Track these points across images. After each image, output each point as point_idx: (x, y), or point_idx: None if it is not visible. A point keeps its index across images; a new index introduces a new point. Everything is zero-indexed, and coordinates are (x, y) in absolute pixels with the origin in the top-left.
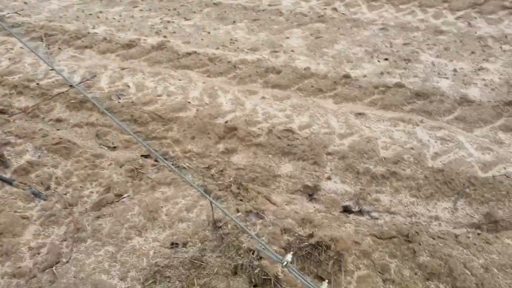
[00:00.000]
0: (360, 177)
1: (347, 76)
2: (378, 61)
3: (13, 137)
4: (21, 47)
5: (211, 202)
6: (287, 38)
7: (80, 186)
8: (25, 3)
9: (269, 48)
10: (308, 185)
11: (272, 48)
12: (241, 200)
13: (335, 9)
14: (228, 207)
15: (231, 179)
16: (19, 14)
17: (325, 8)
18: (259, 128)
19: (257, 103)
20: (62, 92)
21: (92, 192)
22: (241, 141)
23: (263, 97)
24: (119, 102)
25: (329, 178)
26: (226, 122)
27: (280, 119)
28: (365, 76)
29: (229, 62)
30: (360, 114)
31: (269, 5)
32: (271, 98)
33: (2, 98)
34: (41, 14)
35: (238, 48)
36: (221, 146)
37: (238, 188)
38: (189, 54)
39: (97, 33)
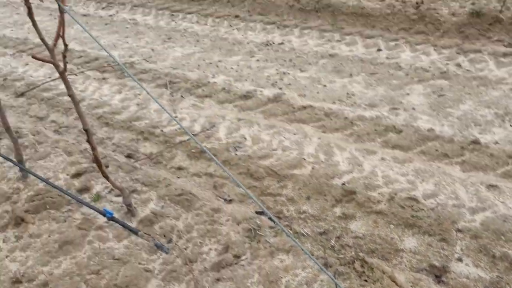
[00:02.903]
0: (496, 262)
1: (476, 142)
2: (511, 125)
3: (139, 185)
4: (148, 93)
5: (336, 284)
6: (407, 94)
7: (200, 242)
8: (152, 50)
9: (388, 105)
10: (435, 265)
11: (392, 104)
12: (365, 280)
13: (458, 65)
14: (351, 287)
15: (353, 253)
16: (147, 61)
17: (447, 64)
18: (379, 194)
19: (376, 164)
20: (184, 141)
21: (211, 249)
22: (360, 206)
23: (382, 158)
24: (236, 154)
25: (459, 260)
26: (344, 184)
27: (402, 184)
28: (496, 142)
29: (346, 118)
30: (492, 186)
31: (387, 58)
32: (391, 160)
33: (130, 143)
34: (166, 61)
35: (355, 103)
36: (338, 210)
37: (362, 266)
38: (304, 107)
39: (216, 82)
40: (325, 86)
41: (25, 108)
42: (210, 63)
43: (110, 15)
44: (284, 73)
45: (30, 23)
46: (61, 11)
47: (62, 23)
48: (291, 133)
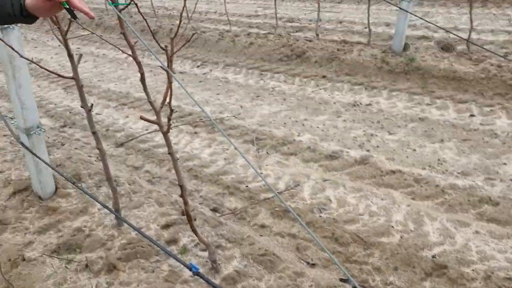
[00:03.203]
0: None
1: None
2: None
3: (224, 241)
4: (235, 148)
5: None
6: (505, 164)
7: None
8: (241, 107)
9: (482, 174)
10: None
11: (487, 174)
12: None
13: None
14: None
15: None
16: (236, 117)
17: None
18: (473, 270)
19: (469, 237)
20: (268, 198)
21: None
22: (452, 283)
23: (477, 232)
24: (320, 216)
25: None
26: (434, 256)
27: (499, 262)
28: None
29: (437, 185)
30: None
31: (481, 124)
32: (487, 234)
33: (216, 197)
34: (254, 118)
35: (446, 170)
36: (427, 285)
37: None
38: (393, 172)
39: (302, 141)
40: (414, 150)
41: (123, 157)
42: (296, 122)
43: (204, 73)
44: (371, 134)
45: (132, 79)
46: (169, 77)
47: (170, 89)
48: (378, 198)
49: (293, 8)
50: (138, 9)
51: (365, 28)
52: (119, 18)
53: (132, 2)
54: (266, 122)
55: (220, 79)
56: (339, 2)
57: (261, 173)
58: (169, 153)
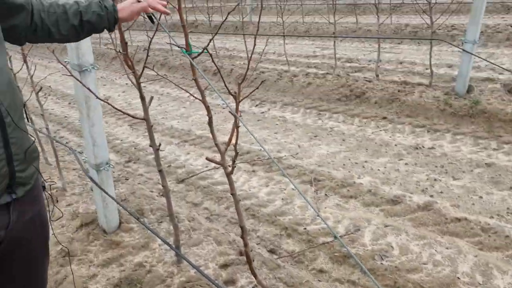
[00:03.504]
0: None
1: None
2: None
3: (282, 284)
4: (292, 189)
5: None
6: None
7: None
8: (299, 146)
9: None
10: None
11: None
12: None
13: None
14: None
15: None
16: (294, 157)
17: None
18: None
19: None
20: (327, 242)
21: None
22: None
23: None
24: (382, 263)
25: None
26: None
27: None
28: None
29: (507, 236)
30: None
31: None
32: None
33: (273, 238)
34: (312, 158)
35: None
36: None
37: None
38: (458, 220)
39: (362, 183)
40: (481, 197)
41: (183, 194)
42: (356, 163)
43: (262, 112)
44: (435, 179)
45: (194, 117)
46: (236, 121)
47: (236, 132)
48: (443, 246)
49: (351, 49)
50: (212, 59)
51: (426, 69)
52: (192, 66)
53: (205, 51)
54: (325, 163)
55: (278, 118)
56: (399, 43)
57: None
58: (231, 194)
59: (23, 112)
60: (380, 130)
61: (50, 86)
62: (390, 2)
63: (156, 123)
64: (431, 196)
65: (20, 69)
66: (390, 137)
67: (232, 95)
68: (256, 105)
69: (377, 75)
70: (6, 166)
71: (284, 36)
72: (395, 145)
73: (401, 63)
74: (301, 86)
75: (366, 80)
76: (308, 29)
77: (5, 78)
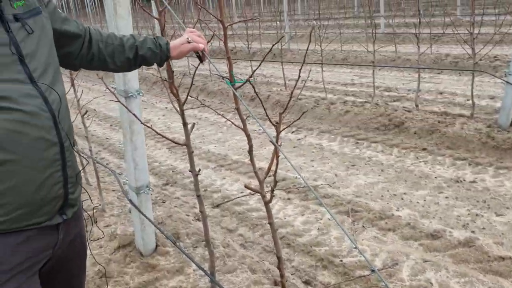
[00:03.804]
0: None
1: None
2: None
3: None
4: (328, 219)
5: None
6: None
7: None
8: (336, 175)
9: None
10: None
11: None
12: None
13: None
14: None
15: None
16: (330, 186)
17: None
18: None
19: None
20: (364, 276)
21: None
22: None
23: None
24: None
25: None
26: None
27: None
28: None
29: None
30: None
31: None
32: None
33: (308, 269)
34: (349, 188)
35: None
36: None
37: None
38: (502, 258)
39: (400, 216)
40: None
41: (218, 219)
42: (395, 195)
43: (299, 139)
44: (476, 215)
45: (231, 141)
46: (276, 151)
47: (276, 162)
48: (486, 286)
49: (390, 78)
50: (254, 90)
51: (468, 100)
52: (234, 96)
53: (248, 81)
54: (362, 193)
55: (315, 146)
56: (439, 73)
57: (357, 248)
58: (269, 223)
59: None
60: (420, 162)
61: (95, 110)
62: (430, 31)
63: (194, 147)
64: (473, 232)
65: (68, 92)
66: (430, 169)
67: (273, 125)
68: (293, 132)
69: (417, 105)
70: (62, 188)
71: (322, 64)
72: (435, 177)
73: (441, 93)
74: (338, 114)
75: (406, 110)
76: (346, 57)
77: (65, 104)
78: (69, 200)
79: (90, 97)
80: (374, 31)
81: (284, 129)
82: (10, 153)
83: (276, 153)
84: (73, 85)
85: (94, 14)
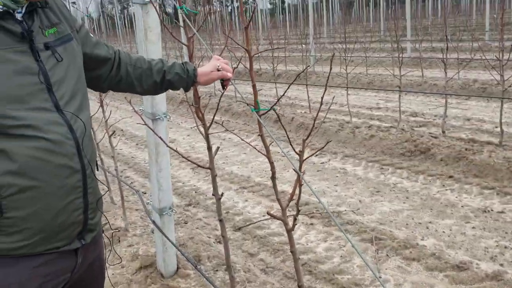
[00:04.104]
0: None
1: None
2: None
3: None
4: (352, 246)
5: None
6: None
7: None
8: (360, 201)
9: None
10: None
11: None
12: None
13: None
14: None
15: None
16: (354, 212)
17: None
18: None
19: None
20: None
21: None
22: None
23: None
24: None
25: None
26: None
27: None
28: None
29: None
30: None
31: None
32: None
33: None
34: (373, 215)
35: None
36: None
37: None
38: None
39: (425, 246)
40: None
41: (239, 242)
42: (420, 223)
43: (322, 163)
44: (505, 247)
45: (254, 163)
46: (299, 179)
47: (299, 190)
48: None
49: (416, 102)
50: (279, 119)
51: (496, 127)
52: (259, 123)
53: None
54: (387, 221)
55: (339, 170)
56: (466, 99)
57: (380, 277)
58: (291, 251)
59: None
60: (446, 190)
61: (122, 130)
62: (458, 56)
63: (217, 167)
64: (501, 265)
65: (96, 112)
66: (456, 197)
67: (296, 153)
68: (316, 155)
69: (443, 131)
70: (82, 214)
71: (347, 87)
72: (462, 206)
73: (468, 119)
74: (363, 138)
75: (432, 136)
76: (371, 80)
77: (89, 132)
78: (88, 226)
79: (117, 115)
80: (400, 55)
81: (307, 158)
82: (33, 180)
83: (298, 181)
84: (102, 105)
85: (124, 35)
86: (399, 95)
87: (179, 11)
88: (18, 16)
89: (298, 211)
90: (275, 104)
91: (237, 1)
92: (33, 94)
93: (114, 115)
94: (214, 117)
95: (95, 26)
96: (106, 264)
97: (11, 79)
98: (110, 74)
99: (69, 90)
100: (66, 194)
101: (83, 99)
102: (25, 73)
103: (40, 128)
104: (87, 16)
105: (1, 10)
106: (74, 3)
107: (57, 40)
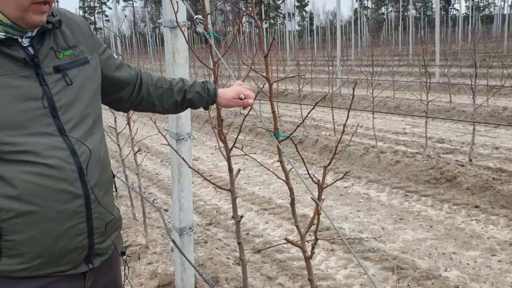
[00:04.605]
0: None
1: None
2: None
3: None
4: (372, 274)
5: None
6: None
7: None
8: (383, 228)
9: None
10: None
11: None
12: None
13: None
14: None
15: None
16: (376, 239)
17: None
18: None
19: None
20: None
21: None
22: None
23: None
24: None
25: None
26: None
27: None
28: None
29: None
30: None
31: None
32: None
33: None
34: (395, 243)
35: None
36: None
37: None
38: None
39: (449, 277)
40: None
41: (258, 265)
42: (443, 254)
43: (345, 187)
44: None
45: (275, 185)
46: (317, 208)
47: (317, 219)
48: None
49: (444, 129)
50: (296, 149)
51: None
52: (278, 149)
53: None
54: (409, 250)
55: (362, 195)
56: (495, 127)
57: None
58: (309, 279)
59: (111, 185)
60: (472, 220)
61: (147, 147)
62: (487, 83)
63: (239, 187)
64: None
65: (124, 128)
66: (482, 228)
67: (316, 183)
68: (340, 179)
69: (471, 159)
70: (86, 239)
71: (373, 111)
72: (488, 238)
73: (497, 148)
74: (388, 164)
75: (458, 164)
76: (398, 105)
77: (95, 157)
78: (96, 250)
79: (144, 132)
80: (428, 80)
81: (326, 187)
82: (30, 205)
83: (317, 211)
84: (129, 123)
85: (155, 53)
86: (426, 121)
87: (207, 35)
88: (25, 41)
89: (317, 239)
90: (295, 129)
91: (266, 23)
92: (34, 119)
93: (141, 132)
94: (236, 138)
95: (127, 44)
96: (124, 282)
97: (11, 105)
98: (132, 95)
99: (78, 114)
100: (66, 219)
101: (94, 123)
102: (27, 99)
103: (39, 153)
104: (119, 36)
105: (4, 37)
106: (107, 21)
107: (72, 63)
